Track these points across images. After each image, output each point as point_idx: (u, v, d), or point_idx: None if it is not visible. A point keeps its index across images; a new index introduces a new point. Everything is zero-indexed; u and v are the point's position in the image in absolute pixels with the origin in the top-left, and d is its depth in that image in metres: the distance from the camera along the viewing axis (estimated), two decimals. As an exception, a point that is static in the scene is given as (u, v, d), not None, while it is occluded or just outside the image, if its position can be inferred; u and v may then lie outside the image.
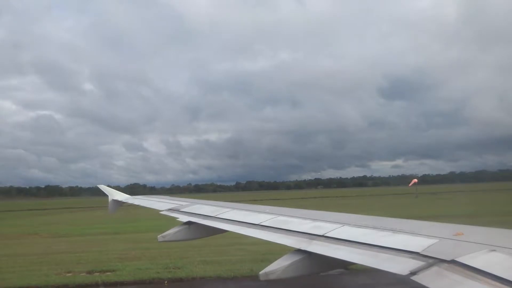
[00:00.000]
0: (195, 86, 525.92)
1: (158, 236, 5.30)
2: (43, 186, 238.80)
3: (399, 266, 2.36)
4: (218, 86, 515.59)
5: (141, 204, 8.81)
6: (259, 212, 4.99)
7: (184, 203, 7.16)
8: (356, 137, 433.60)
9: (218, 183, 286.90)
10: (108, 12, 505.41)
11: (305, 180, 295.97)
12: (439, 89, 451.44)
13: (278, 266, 3.05)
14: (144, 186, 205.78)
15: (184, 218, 5.65)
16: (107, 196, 11.48)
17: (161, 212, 6.86)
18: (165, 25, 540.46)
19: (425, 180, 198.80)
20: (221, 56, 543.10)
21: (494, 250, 2.23)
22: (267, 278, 2.99)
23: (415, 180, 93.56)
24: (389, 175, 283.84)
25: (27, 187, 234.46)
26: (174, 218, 6.12)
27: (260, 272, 3.02)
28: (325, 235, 3.35)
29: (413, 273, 2.22)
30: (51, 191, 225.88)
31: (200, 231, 5.19)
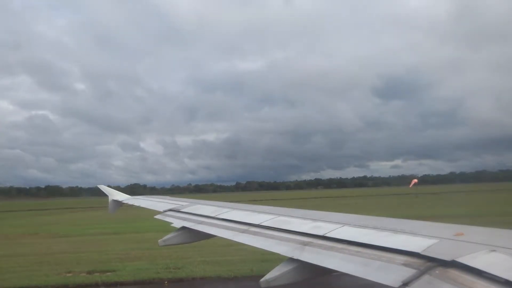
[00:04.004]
0: (193, 87, 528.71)
1: (159, 240, 5.28)
2: (43, 186, 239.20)
3: (391, 276, 2.34)
4: (216, 86, 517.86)
5: (141, 205, 8.79)
6: (259, 212, 4.98)
7: (184, 203, 7.15)
8: (354, 137, 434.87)
9: (218, 184, 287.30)
10: (105, 13, 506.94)
11: (305, 180, 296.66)
12: (437, 89, 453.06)
13: (278, 273, 3.07)
14: (145, 186, 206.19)
15: (179, 223, 5.58)
16: (107, 196, 11.48)
17: (155, 217, 6.81)
18: (161, 26, 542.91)
19: (425, 180, 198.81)
20: (219, 56, 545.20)
21: (494, 251, 2.22)
22: (268, 285, 3.03)
23: (415, 180, 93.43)
24: (389, 175, 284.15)
25: (27, 187, 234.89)
26: (172, 218, 6.10)
27: (261, 280, 3.04)
28: (325, 235, 3.35)
29: (406, 283, 2.19)
30: (51, 191, 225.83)
31: (201, 234, 5.15)
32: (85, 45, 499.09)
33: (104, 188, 12.39)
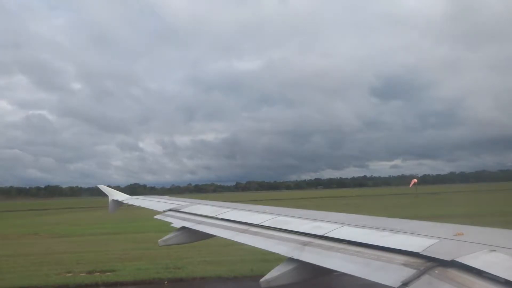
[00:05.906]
0: (191, 86, 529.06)
1: (159, 240, 5.28)
2: (43, 186, 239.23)
3: (391, 276, 2.34)
4: (214, 86, 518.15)
5: (141, 205, 8.81)
6: (259, 212, 4.98)
7: (184, 203, 7.16)
8: (354, 137, 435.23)
9: (218, 183, 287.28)
10: (103, 13, 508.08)
11: (305, 180, 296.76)
12: (436, 88, 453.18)
13: (278, 273, 3.08)
14: (144, 186, 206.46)
15: (179, 223, 5.58)
16: (107, 196, 11.49)
17: (155, 217, 6.82)
18: (159, 26, 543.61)
19: (425, 180, 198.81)
20: (217, 56, 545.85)
21: (494, 250, 2.22)
22: (268, 285, 3.04)
23: (415, 180, 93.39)
24: (389, 175, 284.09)
25: (27, 187, 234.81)
26: (172, 218, 6.10)
27: (261, 280, 3.05)
28: (325, 235, 3.35)
29: (405, 283, 2.20)
30: (51, 191, 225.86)
31: (201, 234, 5.15)
32: (82, 45, 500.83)
33: (104, 188, 12.39)
